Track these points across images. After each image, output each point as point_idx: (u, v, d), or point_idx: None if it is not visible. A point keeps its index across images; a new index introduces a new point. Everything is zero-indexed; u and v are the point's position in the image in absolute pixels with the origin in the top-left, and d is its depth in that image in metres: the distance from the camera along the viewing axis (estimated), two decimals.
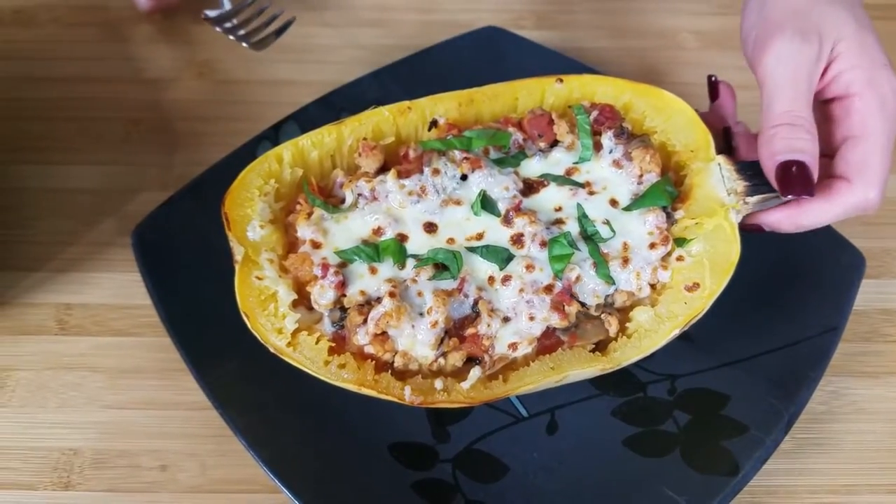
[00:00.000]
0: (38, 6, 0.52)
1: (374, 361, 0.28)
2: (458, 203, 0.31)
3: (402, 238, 0.30)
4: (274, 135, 0.40)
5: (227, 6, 0.47)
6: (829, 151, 0.33)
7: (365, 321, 0.28)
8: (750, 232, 0.32)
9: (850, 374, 0.35)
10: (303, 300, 0.30)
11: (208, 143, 0.43)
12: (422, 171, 0.32)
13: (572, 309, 0.29)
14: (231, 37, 0.42)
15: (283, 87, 0.46)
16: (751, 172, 0.31)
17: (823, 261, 0.35)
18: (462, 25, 0.48)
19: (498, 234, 0.31)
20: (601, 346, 0.29)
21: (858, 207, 0.34)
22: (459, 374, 0.29)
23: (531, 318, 0.29)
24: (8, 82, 0.47)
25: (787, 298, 0.34)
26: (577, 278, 0.29)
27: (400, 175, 0.31)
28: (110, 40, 0.49)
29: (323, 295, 0.29)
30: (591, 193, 0.31)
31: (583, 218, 0.31)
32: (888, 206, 0.41)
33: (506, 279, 0.29)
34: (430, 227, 0.31)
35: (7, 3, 0.51)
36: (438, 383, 0.28)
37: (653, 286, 0.30)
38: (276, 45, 0.45)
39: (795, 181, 0.30)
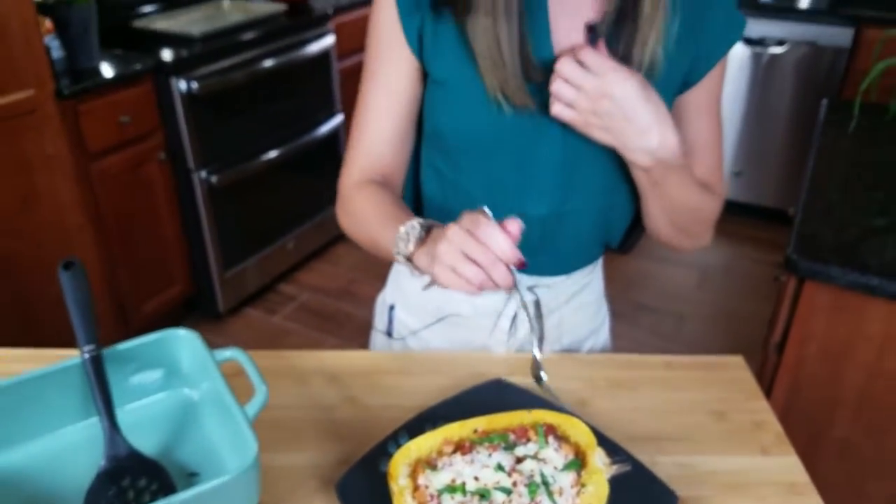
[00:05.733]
0: None
1: None
2: (487, 467, 0.70)
3: (464, 483, 0.69)
4: (394, 437, 0.80)
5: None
6: None
7: None
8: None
9: None
10: None
11: (355, 441, 0.83)
12: (472, 452, 0.71)
13: None
14: None
15: (393, 410, 0.86)
16: (614, 455, 0.70)
17: (651, 498, 0.73)
18: (488, 375, 0.90)
19: (506, 481, 0.69)
20: None
21: None
22: None
23: None
24: None
25: None
26: (540, 502, 0.67)
27: (462, 454, 0.71)
28: (298, 384, 0.92)
29: None
30: (545, 464, 0.70)
31: (542, 474, 0.69)
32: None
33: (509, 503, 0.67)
34: (476, 479, 0.69)
35: None
36: None
37: None
38: (379, 389, 0.88)
39: None
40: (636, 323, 2.67)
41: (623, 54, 0.77)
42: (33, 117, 1.93)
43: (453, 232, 0.66)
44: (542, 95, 0.77)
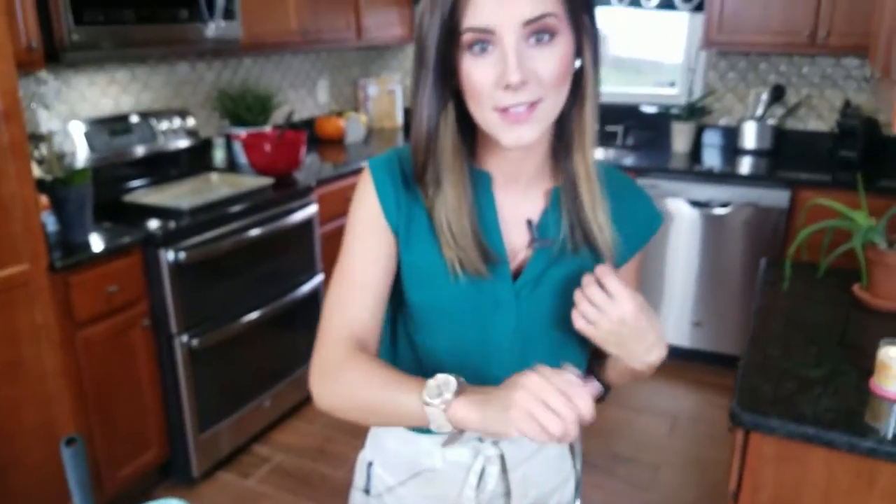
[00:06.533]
0: None
1: None
2: None
3: None
4: None
5: None
6: None
7: None
8: None
9: None
10: None
11: None
12: None
13: None
14: None
15: None
16: None
17: None
18: None
19: None
20: None
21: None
22: None
23: None
24: None
25: None
26: None
27: None
28: None
29: None
30: None
31: None
32: None
33: None
34: None
35: None
36: None
37: None
38: None
39: None
40: (613, 474, 2.70)
41: (560, 242, 0.93)
42: (26, 289, 2.03)
43: (535, 383, 0.71)
44: (495, 271, 0.92)
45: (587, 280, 0.84)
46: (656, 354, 0.88)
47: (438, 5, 0.79)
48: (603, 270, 0.84)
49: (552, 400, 0.70)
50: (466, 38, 0.79)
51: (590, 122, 0.88)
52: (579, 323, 0.86)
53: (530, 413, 0.70)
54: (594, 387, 0.74)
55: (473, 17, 0.78)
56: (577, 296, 0.85)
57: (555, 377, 0.72)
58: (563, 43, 0.81)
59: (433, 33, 0.80)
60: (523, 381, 0.72)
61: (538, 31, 0.79)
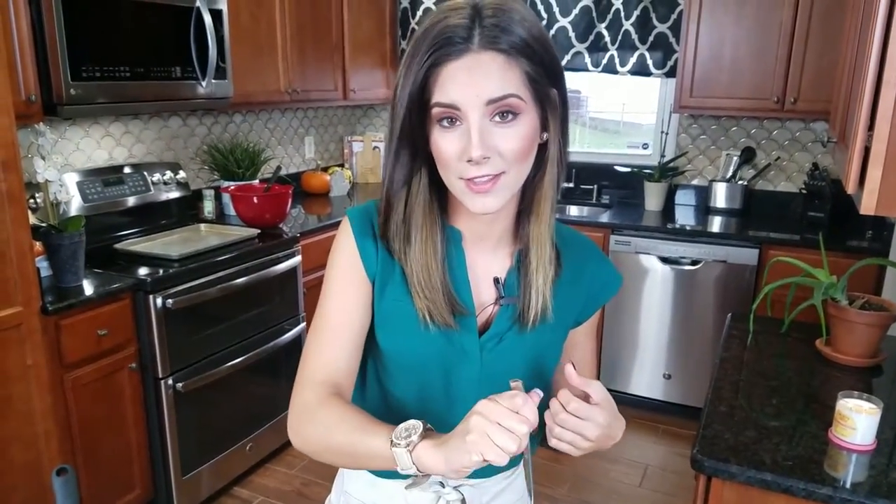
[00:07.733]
0: None
1: None
2: None
3: None
4: None
5: None
6: None
7: None
8: None
9: None
10: None
11: None
12: None
13: None
14: None
15: None
16: None
17: None
18: None
19: None
20: None
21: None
22: None
23: None
24: None
25: None
26: None
27: None
28: None
29: None
30: None
31: None
32: None
33: None
34: None
35: None
36: None
37: None
38: None
39: None
40: None
41: (522, 299, 0.98)
42: (18, 331, 2.08)
43: (486, 407, 0.75)
44: (463, 323, 0.97)
45: (556, 408, 0.86)
46: (618, 438, 0.93)
47: (411, 80, 0.83)
48: (567, 397, 0.86)
49: (505, 420, 0.73)
50: (435, 111, 0.84)
51: (549, 190, 0.93)
52: (553, 443, 0.88)
53: (487, 434, 0.73)
54: (536, 394, 0.81)
55: (442, 94, 0.83)
56: (549, 423, 0.87)
57: (502, 398, 0.76)
58: (527, 121, 0.85)
59: (405, 105, 0.84)
60: (477, 408, 0.76)
61: (502, 110, 0.82)
